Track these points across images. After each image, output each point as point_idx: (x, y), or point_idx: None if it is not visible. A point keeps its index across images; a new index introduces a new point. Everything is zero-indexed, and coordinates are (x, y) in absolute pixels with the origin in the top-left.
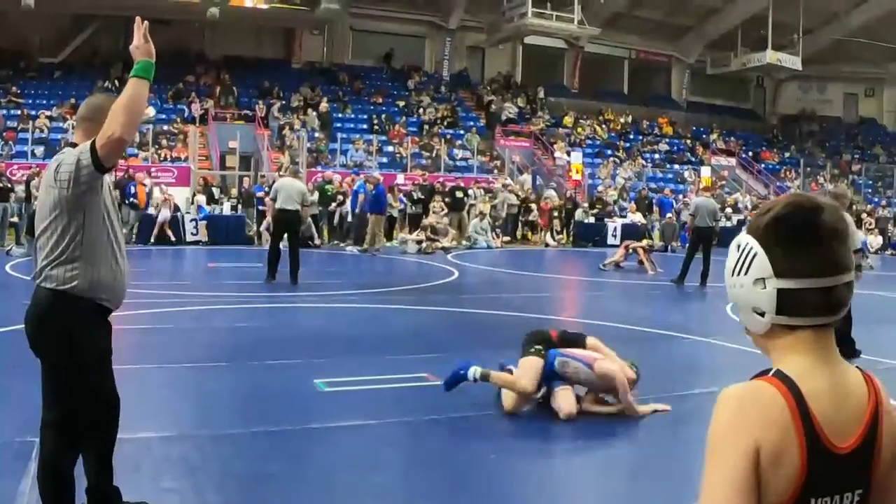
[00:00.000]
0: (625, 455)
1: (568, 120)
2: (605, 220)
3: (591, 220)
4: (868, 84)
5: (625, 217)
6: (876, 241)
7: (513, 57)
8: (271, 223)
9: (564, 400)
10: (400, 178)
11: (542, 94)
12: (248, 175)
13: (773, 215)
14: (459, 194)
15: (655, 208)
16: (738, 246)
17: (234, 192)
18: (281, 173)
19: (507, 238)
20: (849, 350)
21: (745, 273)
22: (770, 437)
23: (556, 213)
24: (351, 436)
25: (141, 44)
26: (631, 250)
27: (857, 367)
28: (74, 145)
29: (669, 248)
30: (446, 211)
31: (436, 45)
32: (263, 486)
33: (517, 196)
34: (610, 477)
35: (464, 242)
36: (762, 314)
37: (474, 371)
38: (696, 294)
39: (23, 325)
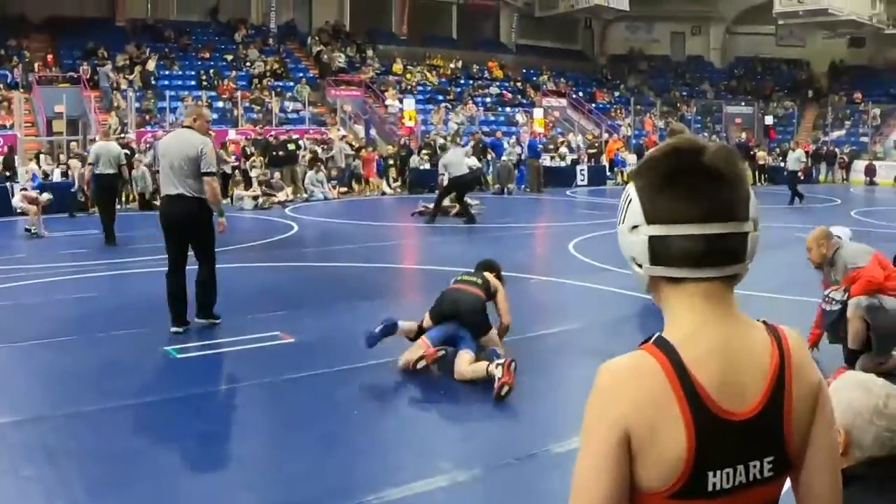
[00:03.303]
0: (487, 401)
1: (398, 67)
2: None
3: (427, 166)
4: (695, 23)
5: None
6: None
7: (340, 5)
8: (86, 188)
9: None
10: (232, 134)
11: (371, 52)
12: (76, 139)
13: (646, 158)
14: (292, 147)
15: (489, 151)
16: (623, 194)
17: (63, 157)
18: (98, 138)
19: (343, 189)
20: None
21: (623, 221)
22: (644, 417)
23: (391, 161)
24: (211, 402)
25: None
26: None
27: (763, 321)
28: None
29: (505, 190)
30: (263, 165)
31: None
32: (129, 464)
33: (351, 146)
34: (473, 424)
35: (301, 195)
36: (640, 265)
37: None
38: (538, 235)
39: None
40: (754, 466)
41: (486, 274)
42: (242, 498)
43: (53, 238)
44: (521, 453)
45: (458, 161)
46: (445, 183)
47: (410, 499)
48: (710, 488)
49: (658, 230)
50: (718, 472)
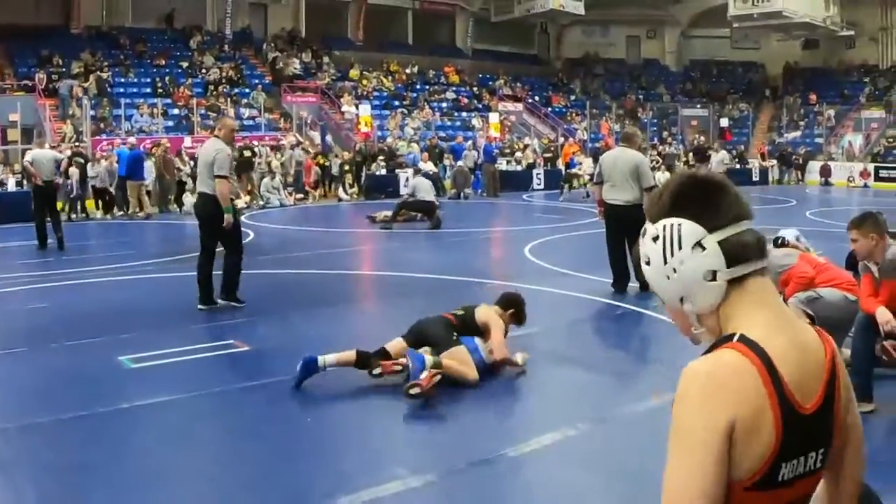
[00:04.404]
0: (448, 410)
1: (354, 73)
2: (397, 171)
3: (383, 171)
4: (650, 26)
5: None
6: (664, 177)
7: (296, 12)
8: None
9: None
10: (188, 141)
11: (327, 58)
12: (31, 148)
13: (672, 190)
14: (248, 154)
15: (449, 156)
16: (656, 237)
17: (18, 167)
18: (34, 146)
19: (300, 195)
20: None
21: (680, 248)
22: (744, 411)
23: (346, 168)
24: (165, 412)
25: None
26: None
27: (808, 322)
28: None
29: (462, 194)
30: None
31: (217, 2)
32: (82, 476)
33: (307, 152)
34: (428, 429)
35: (257, 202)
36: (713, 277)
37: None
38: (494, 240)
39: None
40: (811, 457)
41: (483, 309)
42: None
43: (4, 248)
44: (476, 458)
45: (427, 189)
46: (408, 199)
47: None
48: (779, 479)
49: (723, 234)
50: (788, 463)
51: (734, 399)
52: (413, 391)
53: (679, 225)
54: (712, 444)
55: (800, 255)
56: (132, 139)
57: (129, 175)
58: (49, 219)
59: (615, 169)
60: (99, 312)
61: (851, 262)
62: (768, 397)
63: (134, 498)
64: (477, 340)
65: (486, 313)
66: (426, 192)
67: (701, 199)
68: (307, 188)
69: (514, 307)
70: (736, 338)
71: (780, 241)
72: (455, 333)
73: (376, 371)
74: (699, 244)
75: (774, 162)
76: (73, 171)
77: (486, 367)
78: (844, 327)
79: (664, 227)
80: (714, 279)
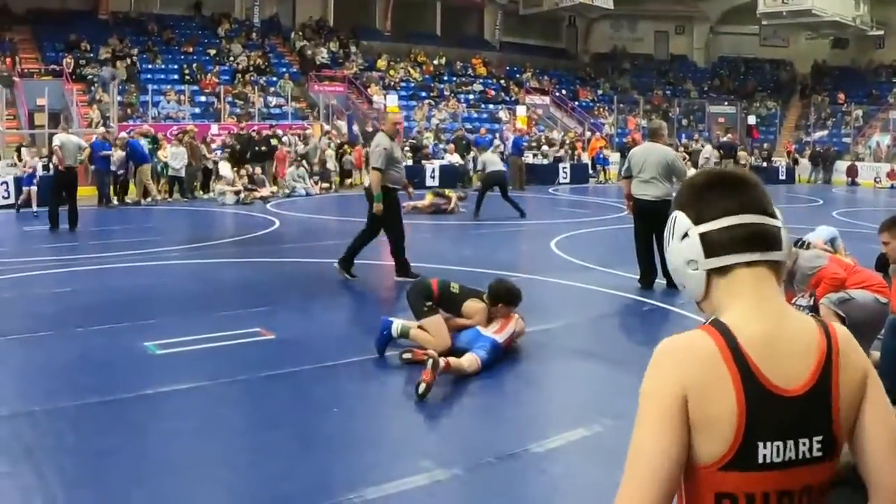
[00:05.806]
0: (473, 404)
1: (381, 63)
2: (423, 162)
3: (409, 162)
4: (678, 22)
5: (442, 159)
6: (691, 174)
7: (324, 1)
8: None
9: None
10: (214, 129)
11: (355, 47)
12: (58, 133)
13: (685, 184)
14: (274, 142)
15: (475, 149)
16: (668, 223)
17: (45, 151)
18: (57, 131)
19: (325, 184)
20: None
21: (672, 237)
22: (699, 380)
23: None
24: (189, 399)
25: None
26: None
27: (813, 316)
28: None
29: None
30: (232, 164)
31: None
32: (105, 461)
33: (334, 142)
34: (454, 422)
35: (283, 191)
36: (696, 267)
37: (396, 327)
38: (520, 233)
39: None
40: (804, 444)
41: (471, 305)
42: (219, 496)
43: (30, 232)
44: (501, 452)
45: (495, 161)
46: (482, 176)
47: (389, 497)
48: (760, 460)
49: (706, 227)
50: (769, 445)
51: (689, 368)
52: (421, 390)
53: (676, 217)
54: (666, 413)
55: (830, 258)
56: (135, 131)
57: (140, 162)
58: (67, 204)
59: (645, 164)
60: (124, 298)
61: (881, 264)
62: (729, 373)
63: (156, 484)
64: (479, 329)
65: (474, 309)
66: (494, 163)
67: (695, 194)
68: (276, 179)
69: (501, 301)
70: (709, 321)
71: (801, 244)
72: (429, 303)
73: (407, 356)
74: (686, 235)
75: (804, 160)
76: (119, 155)
77: (501, 347)
78: (875, 329)
79: (670, 218)
80: (696, 269)
